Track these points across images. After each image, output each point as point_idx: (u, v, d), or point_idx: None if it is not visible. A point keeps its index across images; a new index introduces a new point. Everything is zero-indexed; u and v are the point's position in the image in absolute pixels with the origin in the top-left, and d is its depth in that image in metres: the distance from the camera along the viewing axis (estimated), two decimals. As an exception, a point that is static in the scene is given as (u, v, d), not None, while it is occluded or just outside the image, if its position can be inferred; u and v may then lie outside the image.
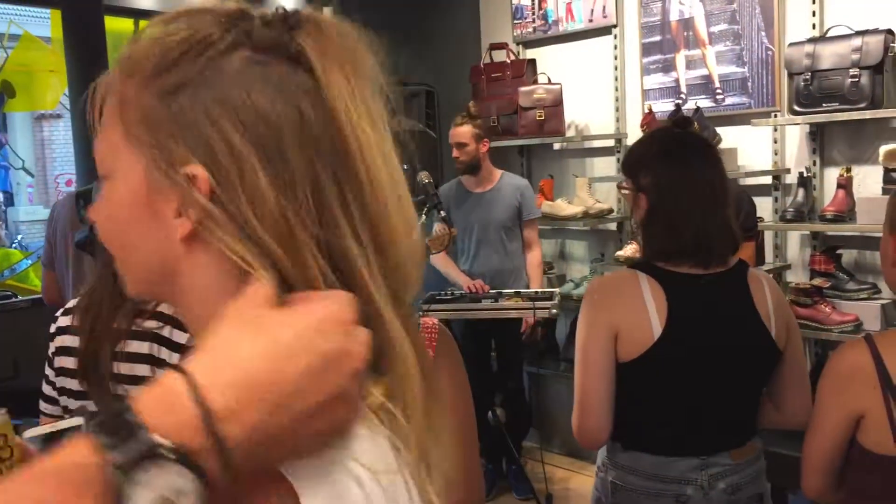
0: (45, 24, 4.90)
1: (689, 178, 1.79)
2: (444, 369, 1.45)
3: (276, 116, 0.58)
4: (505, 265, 4.07)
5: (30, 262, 5.60)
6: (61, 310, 1.85)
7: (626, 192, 1.89)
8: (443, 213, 3.55)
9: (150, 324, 1.67)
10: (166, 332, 1.67)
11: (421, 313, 3.53)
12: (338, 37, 0.64)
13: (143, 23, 4.94)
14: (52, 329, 1.83)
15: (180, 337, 1.66)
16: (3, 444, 1.01)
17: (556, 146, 4.58)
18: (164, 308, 1.68)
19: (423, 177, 3.57)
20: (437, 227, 3.80)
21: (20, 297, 4.51)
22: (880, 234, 3.28)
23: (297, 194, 0.58)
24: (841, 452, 1.58)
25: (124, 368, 1.66)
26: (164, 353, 1.66)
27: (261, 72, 0.60)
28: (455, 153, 4.06)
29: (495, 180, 4.09)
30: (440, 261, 4.00)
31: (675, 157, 1.81)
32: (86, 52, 3.89)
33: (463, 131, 4.01)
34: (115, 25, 4.63)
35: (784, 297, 1.91)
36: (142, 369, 1.66)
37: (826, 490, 1.63)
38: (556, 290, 3.89)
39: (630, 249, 4.00)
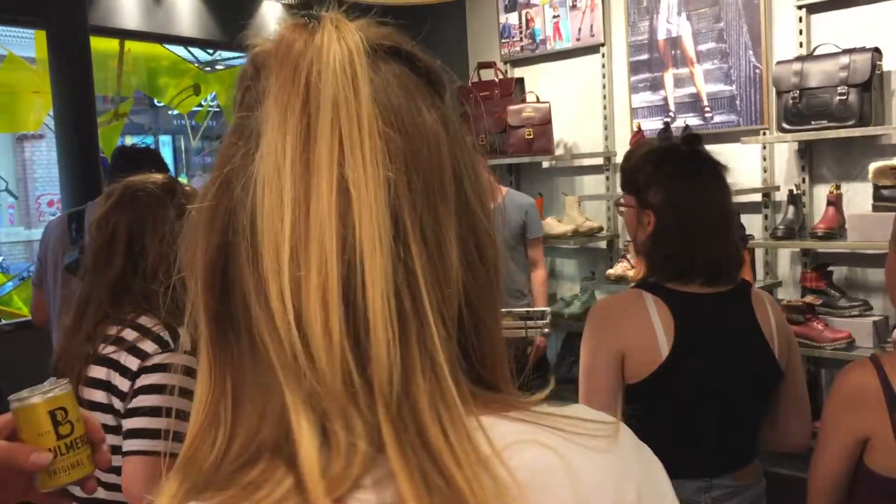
0: (30, 44, 4.86)
1: (705, 199, 1.77)
2: None
3: None
4: (508, 284, 4.03)
5: (12, 284, 5.52)
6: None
7: (626, 208, 1.86)
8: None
9: (109, 349, 1.64)
10: (121, 357, 1.63)
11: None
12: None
13: (129, 43, 4.92)
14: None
15: (132, 363, 1.62)
16: (62, 419, 0.98)
17: (546, 164, 4.58)
18: (125, 334, 1.64)
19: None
20: None
21: (3, 321, 4.44)
22: (871, 251, 3.33)
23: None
24: (848, 474, 1.56)
25: (85, 393, 1.62)
26: (118, 380, 1.62)
27: None
28: None
29: (500, 198, 4.05)
30: None
31: (691, 177, 1.79)
32: (71, 73, 3.86)
33: None
34: (101, 45, 4.59)
35: (784, 317, 1.89)
36: (98, 395, 1.63)
37: None
38: (548, 308, 3.87)
39: (621, 267, 4.00)
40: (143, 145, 5.66)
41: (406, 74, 0.57)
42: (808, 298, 3.37)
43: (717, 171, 1.83)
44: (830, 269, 3.43)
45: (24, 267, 7.32)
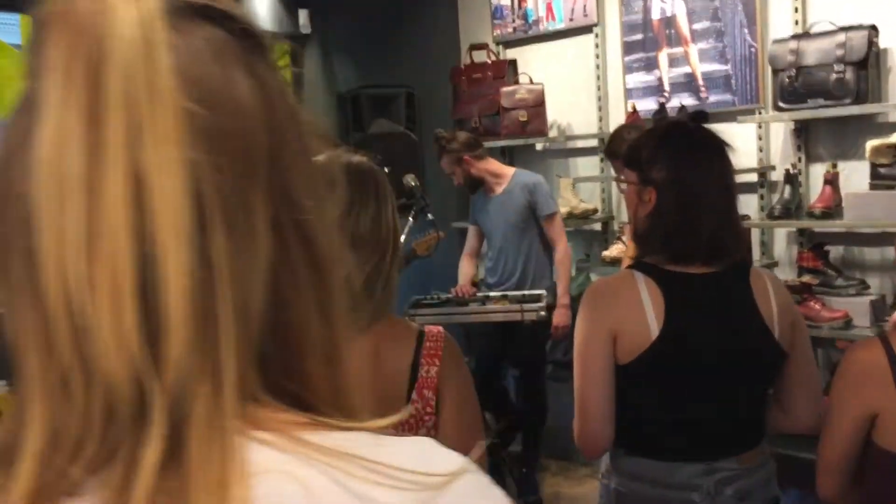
0: (15, 30, 4.79)
1: (709, 177, 1.75)
2: (451, 379, 1.42)
3: None
4: (523, 267, 3.98)
5: None
6: None
7: (627, 185, 1.84)
8: (430, 217, 3.51)
9: None
10: None
11: (408, 318, 3.48)
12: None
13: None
14: None
15: None
16: None
17: (539, 147, 4.55)
18: None
19: (410, 179, 3.53)
20: (471, 230, 3.81)
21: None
22: (868, 230, 3.32)
23: None
24: (856, 452, 1.56)
25: None
26: None
27: None
28: (454, 181, 4.08)
29: (506, 182, 4.00)
30: (462, 262, 4.07)
31: (693, 152, 1.77)
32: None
33: (443, 164, 4.01)
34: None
35: (790, 296, 1.87)
36: None
37: (841, 491, 1.61)
38: (544, 291, 3.85)
39: (616, 249, 3.98)
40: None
41: (220, 38, 0.50)
42: (805, 278, 3.37)
43: (721, 149, 1.81)
44: (827, 248, 3.42)
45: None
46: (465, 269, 4.06)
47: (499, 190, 3.99)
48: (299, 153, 0.54)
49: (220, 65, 0.49)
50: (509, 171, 4.06)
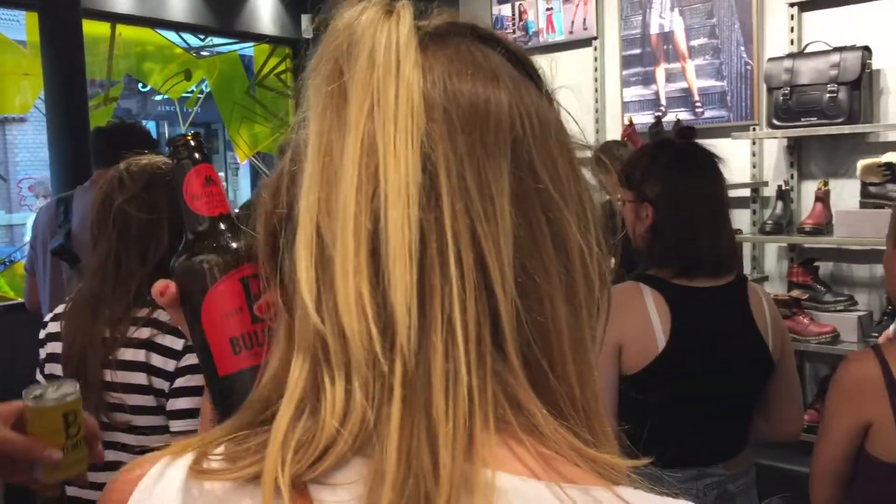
0: (21, 27, 4.82)
1: (702, 190, 1.79)
2: None
3: None
4: None
5: (-2, 268, 5.48)
6: (50, 315, 1.82)
7: (625, 203, 1.89)
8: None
9: (145, 332, 1.65)
10: (160, 339, 1.65)
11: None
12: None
13: (120, 27, 4.89)
14: (42, 335, 1.79)
15: (175, 343, 1.64)
16: (72, 421, 1.10)
17: (536, 157, 4.59)
18: (158, 315, 1.66)
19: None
20: None
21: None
22: (857, 248, 3.38)
23: None
24: (849, 461, 1.60)
25: (119, 377, 1.63)
26: (159, 361, 1.64)
27: None
28: None
29: None
30: None
31: (685, 167, 1.82)
32: (62, 56, 3.83)
33: None
34: (92, 29, 4.56)
35: (778, 311, 1.92)
36: (137, 377, 1.64)
37: (834, 499, 1.65)
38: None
39: (611, 262, 4.02)
40: (130, 121, 5.52)
41: (481, 55, 0.54)
42: (794, 293, 3.42)
43: (712, 162, 1.86)
44: (816, 264, 3.48)
45: (4, 251, 7.26)
46: None
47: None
48: (551, 154, 0.54)
49: (467, 76, 0.52)
50: None
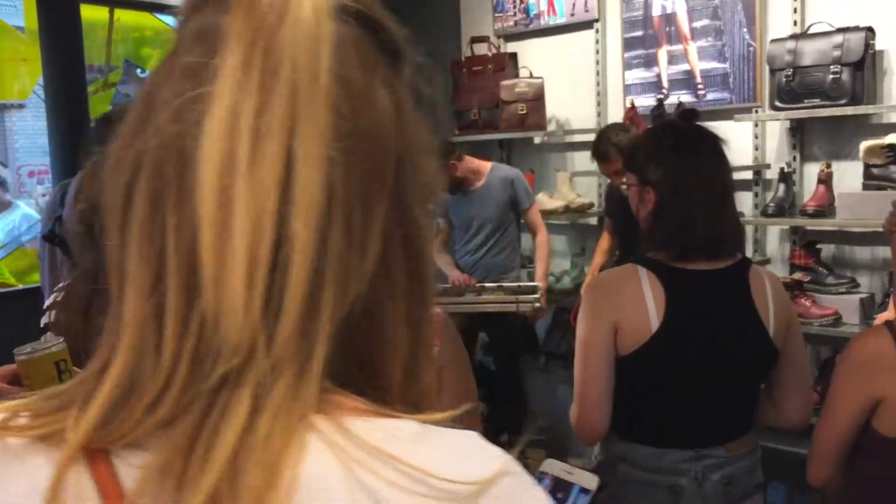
0: (19, 13, 4.80)
1: (703, 172, 1.79)
2: (452, 359, 1.45)
3: None
4: (498, 260, 4.05)
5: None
6: (48, 301, 1.82)
7: (629, 187, 1.88)
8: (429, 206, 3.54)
9: None
10: None
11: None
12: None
13: (118, 12, 4.86)
14: (41, 324, 1.79)
15: None
16: (64, 368, 1.20)
17: (538, 140, 4.58)
18: None
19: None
20: (438, 224, 3.81)
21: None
22: (859, 230, 3.36)
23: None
24: (852, 439, 1.60)
25: None
26: None
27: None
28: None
29: (485, 175, 4.05)
30: (435, 253, 3.99)
31: (688, 151, 1.81)
32: (61, 42, 3.81)
33: None
34: (91, 14, 4.54)
35: (787, 296, 1.91)
36: None
37: (832, 478, 1.65)
38: (539, 283, 3.90)
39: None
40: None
41: (368, 46, 0.53)
42: (797, 275, 3.41)
43: (715, 145, 1.85)
44: (819, 246, 3.47)
45: (6, 240, 7.25)
46: (447, 261, 4.09)
47: (478, 183, 4.03)
48: (419, 170, 0.55)
49: (364, 70, 0.52)
50: (486, 165, 4.10)
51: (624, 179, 1.92)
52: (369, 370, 0.54)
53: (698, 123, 1.91)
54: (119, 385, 0.48)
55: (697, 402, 1.80)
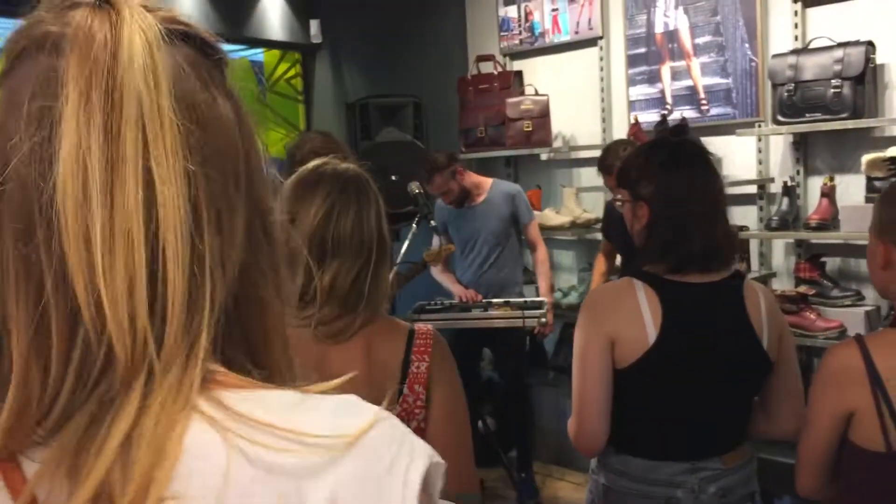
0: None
1: (693, 185, 1.82)
2: (440, 375, 1.47)
3: None
4: (501, 276, 4.08)
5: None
6: None
7: (623, 203, 1.91)
8: (433, 223, 3.58)
9: None
10: None
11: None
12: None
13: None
14: None
15: None
16: None
17: (544, 156, 4.62)
18: None
19: (414, 187, 3.60)
20: (437, 241, 3.83)
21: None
22: (864, 242, 3.32)
23: None
24: (833, 449, 1.61)
25: None
26: None
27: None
28: (445, 200, 4.05)
29: (485, 191, 4.10)
30: (438, 272, 4.03)
31: (677, 165, 1.84)
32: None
33: (439, 183, 3.95)
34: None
35: (779, 309, 1.93)
36: None
37: (819, 488, 1.67)
38: (545, 298, 3.92)
39: (618, 259, 4.04)
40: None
41: (198, 60, 0.57)
42: (802, 289, 3.42)
43: (704, 159, 1.89)
44: (823, 259, 3.47)
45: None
46: (450, 278, 4.11)
47: (479, 199, 4.07)
48: (259, 163, 0.62)
49: (202, 84, 0.57)
50: (487, 181, 4.14)
51: (618, 196, 1.95)
52: (254, 350, 0.60)
53: (686, 139, 1.95)
54: (15, 403, 0.52)
55: (693, 414, 1.81)
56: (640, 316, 1.76)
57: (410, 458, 0.54)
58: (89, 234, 0.50)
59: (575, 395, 1.82)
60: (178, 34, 0.56)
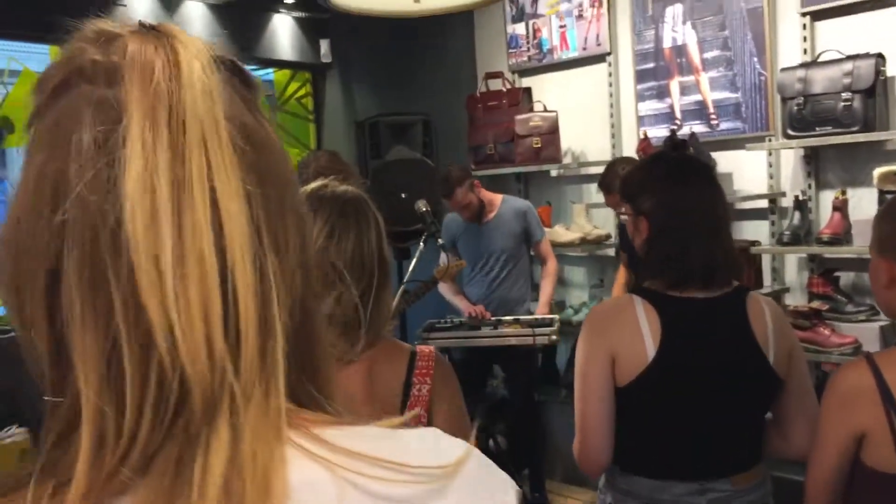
0: (45, 60, 4.95)
1: (692, 200, 1.80)
2: (442, 397, 1.46)
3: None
4: (512, 293, 4.07)
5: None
6: None
7: (627, 218, 1.90)
8: (441, 241, 3.57)
9: None
10: None
11: (419, 341, 3.54)
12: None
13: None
14: None
15: None
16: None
17: (553, 173, 4.61)
18: None
19: (422, 205, 3.60)
20: (445, 258, 3.82)
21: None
22: (875, 257, 3.32)
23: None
24: (844, 472, 1.58)
25: None
26: None
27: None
28: (464, 214, 4.03)
29: (496, 208, 4.09)
30: (445, 288, 4.02)
31: (677, 180, 1.83)
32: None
33: (460, 197, 3.95)
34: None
35: (788, 324, 1.90)
36: None
37: None
38: (556, 316, 3.90)
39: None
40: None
41: (241, 88, 0.59)
42: (815, 304, 3.38)
43: (705, 173, 1.87)
44: (837, 274, 3.44)
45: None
46: (457, 293, 4.10)
47: (490, 215, 4.06)
48: (297, 188, 0.62)
49: (248, 109, 0.58)
50: (498, 197, 4.14)
51: (622, 210, 1.94)
52: (310, 371, 0.59)
53: (686, 153, 1.93)
54: (90, 444, 0.50)
55: (698, 432, 1.78)
56: (640, 332, 1.74)
57: (504, 488, 0.57)
58: (159, 256, 0.49)
59: (577, 413, 1.80)
60: (225, 61, 0.58)
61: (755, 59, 3.74)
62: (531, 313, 4.03)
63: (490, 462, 0.57)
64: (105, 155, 0.51)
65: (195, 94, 0.52)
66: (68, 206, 0.51)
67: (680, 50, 4.01)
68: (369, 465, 0.52)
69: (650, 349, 1.73)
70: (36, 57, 5.02)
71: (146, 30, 0.54)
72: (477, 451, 0.57)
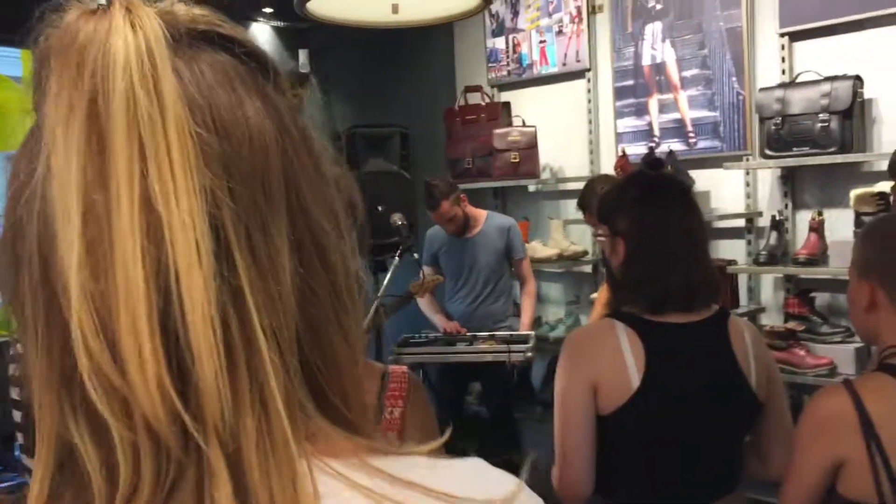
0: (17, 64, 4.87)
1: (668, 221, 1.76)
2: (415, 424, 1.42)
3: None
4: (494, 309, 4.03)
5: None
6: (11, 352, 1.80)
7: (604, 238, 1.86)
8: (416, 255, 3.53)
9: None
10: None
11: (393, 356, 3.49)
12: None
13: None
14: (10, 353, 1.77)
15: None
16: None
17: (531, 188, 4.59)
18: None
19: (398, 218, 3.56)
20: (426, 271, 3.78)
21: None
22: (852, 278, 3.32)
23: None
24: (818, 500, 1.54)
25: None
26: None
27: None
28: (449, 228, 3.99)
29: (480, 223, 4.05)
30: (424, 304, 3.97)
31: (653, 200, 1.79)
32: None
33: (446, 209, 3.89)
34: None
35: (766, 347, 1.87)
36: None
37: None
38: (532, 332, 3.87)
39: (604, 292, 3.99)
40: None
41: (226, 63, 0.50)
42: (791, 324, 3.37)
43: (682, 193, 1.84)
44: (813, 295, 3.43)
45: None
46: (436, 309, 4.06)
47: (474, 231, 4.02)
48: (315, 176, 0.52)
49: (227, 89, 0.48)
50: (482, 213, 4.10)
51: (599, 231, 1.90)
52: (334, 389, 0.52)
53: (662, 172, 1.90)
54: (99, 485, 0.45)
55: (682, 459, 1.75)
56: (623, 361, 1.69)
57: None
58: (81, 271, 0.42)
59: (557, 442, 1.75)
60: (198, 34, 0.49)
61: (734, 79, 3.75)
62: (514, 330, 3.99)
63: (540, 499, 0.54)
64: (28, 157, 0.46)
65: (123, 75, 0.44)
66: (14, 205, 0.46)
67: (659, 68, 4.01)
68: (416, 494, 0.48)
69: (634, 378, 1.68)
70: (7, 61, 4.94)
71: (94, 4, 0.46)
72: (526, 487, 0.53)
